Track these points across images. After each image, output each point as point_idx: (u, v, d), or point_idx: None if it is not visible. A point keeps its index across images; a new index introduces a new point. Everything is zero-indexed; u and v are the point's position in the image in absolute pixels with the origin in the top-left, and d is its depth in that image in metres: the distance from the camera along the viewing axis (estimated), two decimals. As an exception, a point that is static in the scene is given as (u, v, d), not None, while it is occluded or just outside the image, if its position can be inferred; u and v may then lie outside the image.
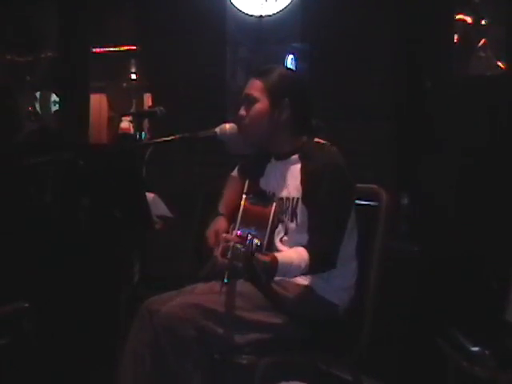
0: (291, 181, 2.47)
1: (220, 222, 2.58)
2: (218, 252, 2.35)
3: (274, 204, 2.44)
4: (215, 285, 2.42)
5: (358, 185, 2.50)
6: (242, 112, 2.49)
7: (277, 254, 2.28)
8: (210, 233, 2.55)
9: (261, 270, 2.17)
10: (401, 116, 4.06)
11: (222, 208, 2.64)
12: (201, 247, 2.54)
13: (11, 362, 2.70)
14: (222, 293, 2.33)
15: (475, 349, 2.52)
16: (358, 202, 2.49)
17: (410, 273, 3.35)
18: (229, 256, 2.13)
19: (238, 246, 2.10)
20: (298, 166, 2.46)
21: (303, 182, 2.43)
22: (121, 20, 5.91)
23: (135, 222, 3.16)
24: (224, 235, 2.29)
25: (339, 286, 2.45)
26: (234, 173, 2.76)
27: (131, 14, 5.67)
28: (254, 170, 2.65)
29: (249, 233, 2.17)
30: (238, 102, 2.58)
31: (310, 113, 2.54)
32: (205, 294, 2.43)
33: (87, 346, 3.23)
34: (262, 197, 2.55)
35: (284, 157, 2.51)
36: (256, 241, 2.12)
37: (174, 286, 2.57)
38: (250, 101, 2.47)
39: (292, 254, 2.32)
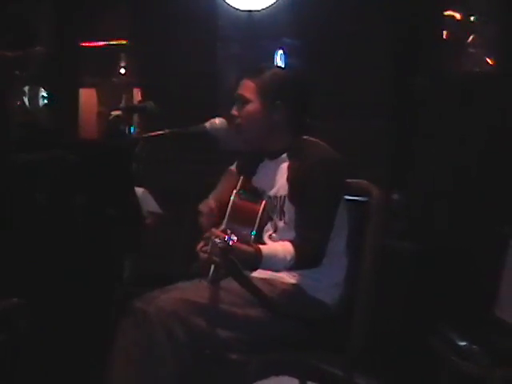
0: (279, 179, 2.48)
1: (210, 202, 2.56)
2: (199, 247, 2.39)
3: (264, 201, 2.45)
4: (200, 282, 2.43)
5: (348, 180, 2.51)
6: (235, 112, 2.51)
7: (261, 246, 2.29)
8: (202, 207, 2.54)
9: (243, 262, 2.16)
10: (394, 113, 4.06)
11: (212, 197, 2.62)
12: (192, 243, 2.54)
13: (5, 359, 2.69)
14: (208, 287, 2.33)
15: (463, 343, 2.53)
16: (348, 197, 2.49)
17: (403, 270, 3.36)
18: (208, 250, 2.15)
19: (217, 240, 2.10)
20: (287, 164, 2.47)
21: (289, 179, 2.44)
22: (111, 14, 5.87)
23: (125, 218, 3.15)
24: (208, 232, 2.28)
25: (328, 283, 2.45)
26: (232, 167, 2.77)
27: (121, 8, 5.64)
28: (248, 168, 2.66)
29: (230, 230, 2.18)
30: (228, 97, 2.58)
31: (304, 113, 2.54)
32: (190, 288, 2.42)
33: (82, 343, 3.22)
34: (253, 194, 2.56)
35: (275, 156, 2.53)
36: (234, 237, 2.11)
37: (164, 283, 2.56)
38: (242, 102, 2.48)
39: (277, 246, 2.33)
